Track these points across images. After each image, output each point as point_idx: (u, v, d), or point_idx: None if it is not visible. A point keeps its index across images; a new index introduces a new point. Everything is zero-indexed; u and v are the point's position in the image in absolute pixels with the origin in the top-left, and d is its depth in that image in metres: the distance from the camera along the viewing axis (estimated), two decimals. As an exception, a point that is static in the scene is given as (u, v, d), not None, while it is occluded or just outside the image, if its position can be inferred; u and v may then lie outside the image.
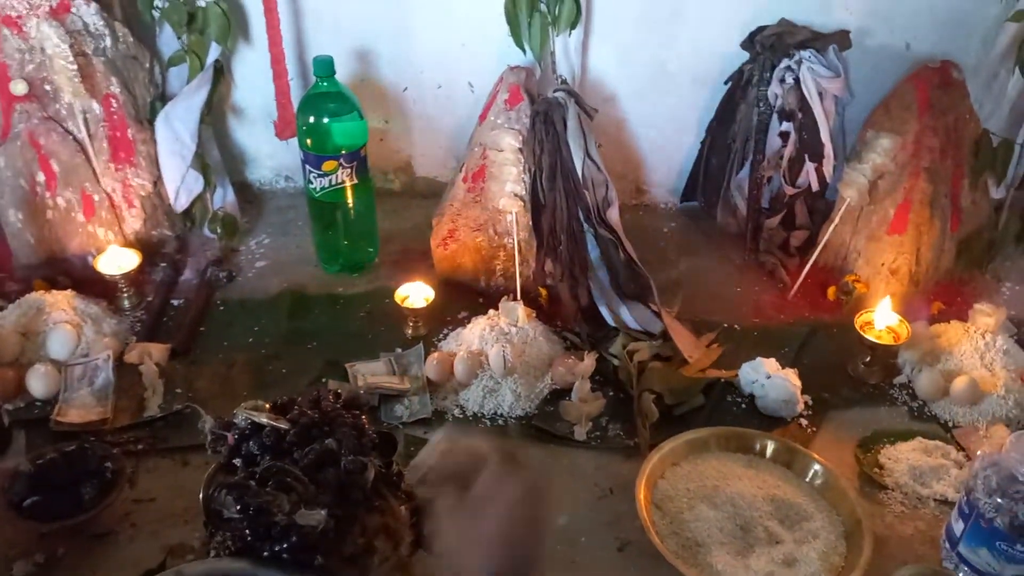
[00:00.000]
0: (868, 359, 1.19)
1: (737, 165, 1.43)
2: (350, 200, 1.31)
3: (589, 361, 1.16)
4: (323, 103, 1.26)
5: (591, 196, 1.26)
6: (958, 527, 0.90)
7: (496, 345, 1.15)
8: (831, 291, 1.33)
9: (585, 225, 1.27)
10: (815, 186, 1.36)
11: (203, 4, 1.31)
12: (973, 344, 1.18)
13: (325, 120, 1.25)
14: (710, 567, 0.90)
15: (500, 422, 1.11)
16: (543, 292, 1.29)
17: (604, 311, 1.25)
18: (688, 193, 1.54)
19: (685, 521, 0.96)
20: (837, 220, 1.32)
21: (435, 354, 1.17)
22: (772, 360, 1.15)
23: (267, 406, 0.86)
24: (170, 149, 1.33)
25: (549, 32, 1.34)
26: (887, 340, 1.18)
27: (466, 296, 1.32)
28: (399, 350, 1.21)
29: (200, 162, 1.36)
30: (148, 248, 1.36)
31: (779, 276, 1.38)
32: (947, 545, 0.92)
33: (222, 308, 1.30)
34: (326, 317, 1.29)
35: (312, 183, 1.29)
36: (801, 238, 1.41)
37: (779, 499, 0.98)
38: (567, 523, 0.98)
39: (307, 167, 1.28)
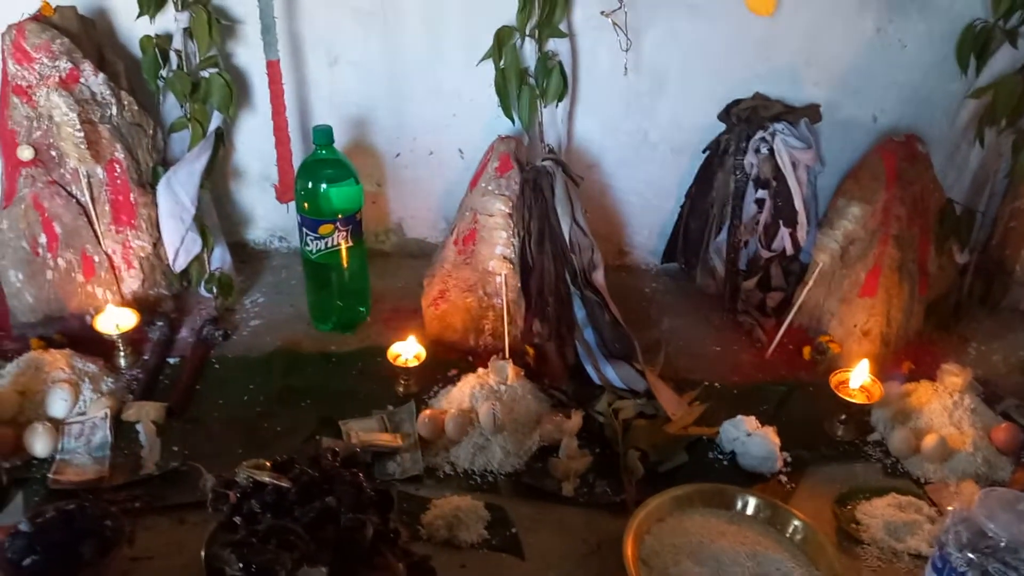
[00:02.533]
0: (843, 417, 1.24)
1: (715, 229, 1.49)
2: (345, 261, 1.35)
3: (576, 419, 1.19)
4: (321, 169, 1.31)
5: (577, 259, 1.32)
6: (932, 581, 0.94)
7: (486, 403, 1.18)
8: (806, 351, 1.38)
9: (572, 287, 1.32)
10: (790, 250, 1.42)
11: (206, 75, 1.37)
12: (942, 403, 1.23)
13: (323, 186, 1.30)
14: (695, 622, 0.93)
15: (490, 478, 1.14)
16: (531, 351, 1.33)
17: (590, 370, 1.29)
18: (669, 255, 1.60)
19: (671, 576, 0.99)
20: (811, 283, 1.38)
21: (426, 412, 1.20)
22: (752, 418, 1.19)
23: (268, 464, 0.89)
24: (170, 212, 1.37)
25: (537, 104, 1.40)
26: (860, 399, 1.22)
27: (456, 355, 1.36)
28: (391, 407, 1.24)
29: (199, 224, 1.40)
30: (145, 307, 1.39)
31: (756, 336, 1.43)
32: (922, 599, 0.96)
33: (217, 366, 1.33)
34: (319, 375, 1.32)
35: (308, 245, 1.33)
36: (777, 299, 1.47)
37: (760, 554, 1.01)
38: (556, 579, 1.00)
39: (304, 230, 1.32)
